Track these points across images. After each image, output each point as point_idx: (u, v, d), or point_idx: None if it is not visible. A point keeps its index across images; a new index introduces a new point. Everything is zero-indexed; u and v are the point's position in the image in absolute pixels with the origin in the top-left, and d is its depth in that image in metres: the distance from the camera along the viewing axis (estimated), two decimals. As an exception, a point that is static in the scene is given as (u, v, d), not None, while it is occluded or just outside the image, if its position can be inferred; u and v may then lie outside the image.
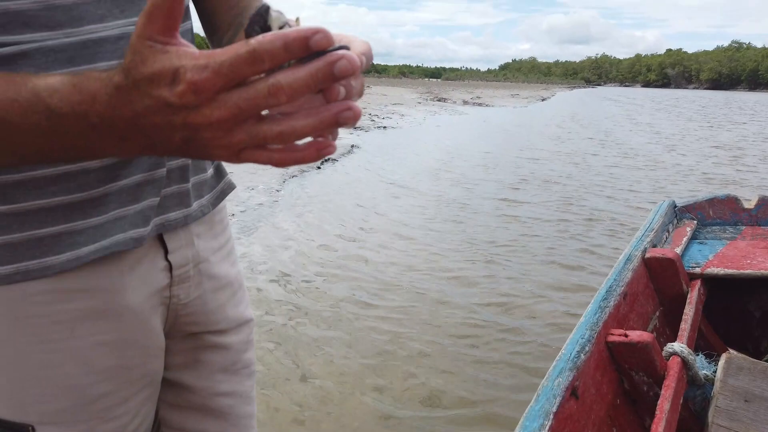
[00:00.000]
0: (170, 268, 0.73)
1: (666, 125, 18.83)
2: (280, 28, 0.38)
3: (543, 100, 40.57)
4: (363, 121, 14.58)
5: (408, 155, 9.59)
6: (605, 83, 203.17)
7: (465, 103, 29.78)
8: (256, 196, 5.66)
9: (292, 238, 4.50)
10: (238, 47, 0.35)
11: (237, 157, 0.40)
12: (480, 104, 29.37)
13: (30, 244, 0.62)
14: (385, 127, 14.06)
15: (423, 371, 2.60)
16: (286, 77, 0.36)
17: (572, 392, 1.11)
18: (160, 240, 0.72)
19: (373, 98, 26.76)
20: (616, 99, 48.59)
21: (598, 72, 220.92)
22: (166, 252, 0.72)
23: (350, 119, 0.38)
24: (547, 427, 1.00)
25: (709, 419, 1.36)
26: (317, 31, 0.35)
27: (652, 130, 16.42)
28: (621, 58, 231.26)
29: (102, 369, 0.67)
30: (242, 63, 0.35)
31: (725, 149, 11.61)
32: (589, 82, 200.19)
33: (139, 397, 0.72)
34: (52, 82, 0.45)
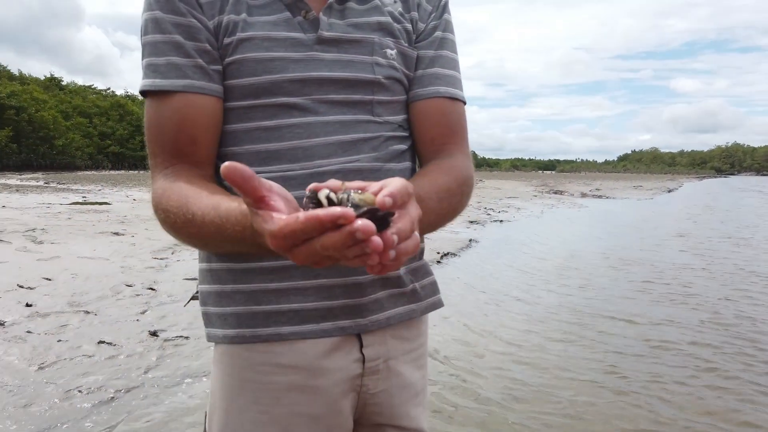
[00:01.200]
0: (363, 360, 0.87)
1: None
2: (328, 197, 0.54)
3: (669, 191, 38.23)
4: (479, 215, 14.50)
5: (526, 251, 9.26)
6: (739, 173, 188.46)
7: (583, 195, 28.81)
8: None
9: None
10: (295, 223, 0.51)
11: (325, 266, 0.56)
12: (600, 196, 28.25)
13: (249, 315, 0.84)
14: (501, 221, 13.84)
15: None
16: (329, 240, 0.50)
17: None
18: (357, 335, 0.87)
19: (487, 192, 26.76)
20: (757, 189, 44.51)
21: (730, 161, 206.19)
22: (361, 345, 0.87)
23: (368, 252, 0.51)
24: None
25: None
26: (341, 216, 0.49)
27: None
28: (756, 146, 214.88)
29: None
30: (299, 234, 0.51)
31: None
32: (720, 172, 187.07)
33: None
34: (228, 211, 0.71)
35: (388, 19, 0.91)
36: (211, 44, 0.83)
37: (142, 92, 0.83)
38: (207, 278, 0.89)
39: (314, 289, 0.83)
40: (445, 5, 0.99)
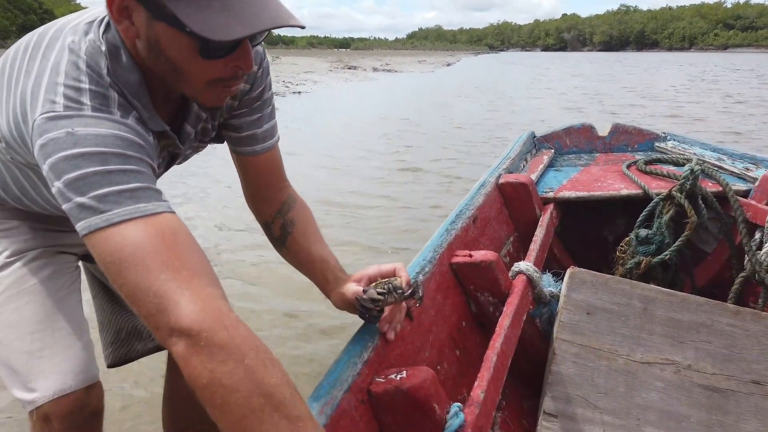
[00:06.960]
0: None
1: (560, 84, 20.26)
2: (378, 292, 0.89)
3: (448, 65, 41.86)
4: (278, 87, 14.87)
5: (323, 117, 10.22)
6: (507, 48, 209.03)
7: (375, 70, 30.34)
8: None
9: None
10: None
11: None
12: (389, 71, 30.06)
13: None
14: (299, 92, 14.48)
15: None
16: None
17: (407, 314, 1.04)
18: None
19: (285, 67, 26.73)
20: (517, 62, 50.91)
21: (501, 38, 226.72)
22: None
23: None
24: (371, 348, 0.93)
25: (554, 334, 1.32)
26: None
27: (547, 89, 17.73)
28: (521, 23, 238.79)
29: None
30: None
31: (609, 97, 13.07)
32: (492, 48, 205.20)
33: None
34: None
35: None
36: None
37: None
38: None
39: None
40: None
